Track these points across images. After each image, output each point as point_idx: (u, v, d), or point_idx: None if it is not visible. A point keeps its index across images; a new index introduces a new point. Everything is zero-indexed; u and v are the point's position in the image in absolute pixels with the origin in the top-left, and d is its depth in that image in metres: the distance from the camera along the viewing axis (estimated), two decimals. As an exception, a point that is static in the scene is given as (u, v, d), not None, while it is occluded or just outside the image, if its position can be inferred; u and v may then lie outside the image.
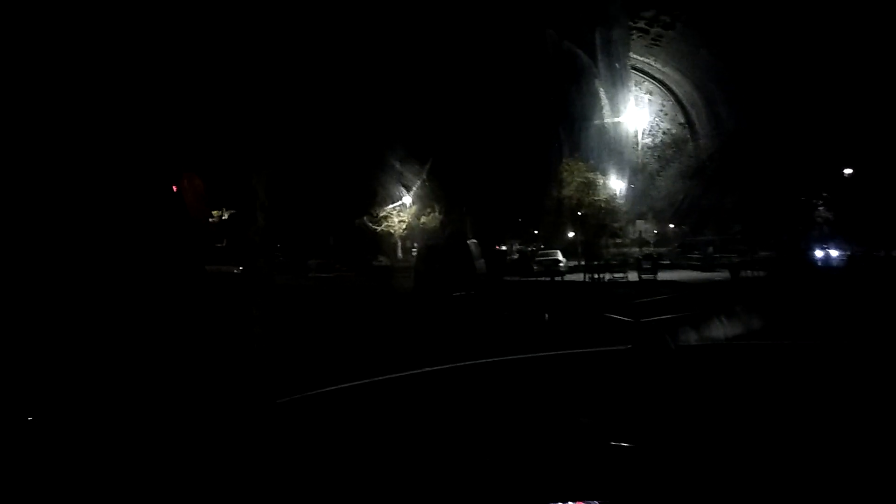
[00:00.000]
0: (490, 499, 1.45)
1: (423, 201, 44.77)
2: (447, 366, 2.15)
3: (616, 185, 39.91)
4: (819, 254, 31.20)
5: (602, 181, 39.57)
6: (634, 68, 36.00)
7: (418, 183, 43.71)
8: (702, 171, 32.98)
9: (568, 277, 32.38)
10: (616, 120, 37.10)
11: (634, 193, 38.90)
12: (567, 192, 39.92)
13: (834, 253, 30.94)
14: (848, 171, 32.91)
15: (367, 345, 9.02)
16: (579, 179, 39.36)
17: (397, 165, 42.19)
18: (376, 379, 2.17)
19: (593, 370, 2.08)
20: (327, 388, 2.11)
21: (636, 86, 36.38)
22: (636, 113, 36.78)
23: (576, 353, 2.36)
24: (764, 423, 1.72)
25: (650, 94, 36.21)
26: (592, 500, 1.44)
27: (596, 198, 39.60)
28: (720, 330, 2.15)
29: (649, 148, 36.93)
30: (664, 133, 36.20)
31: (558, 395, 1.88)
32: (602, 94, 37.26)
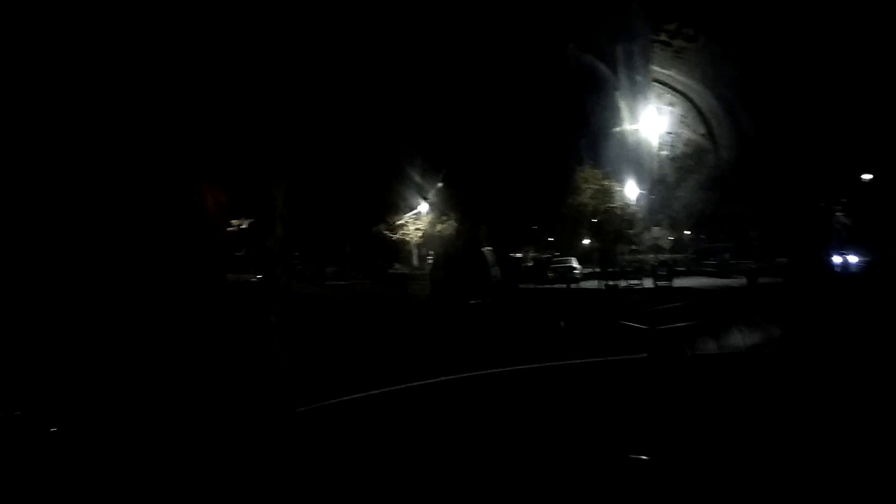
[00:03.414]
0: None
1: (439, 209, 44.83)
2: (463, 375, 2.17)
3: (632, 192, 39.73)
4: (838, 260, 30.82)
5: (618, 189, 39.43)
6: (656, 80, 35.96)
7: (434, 191, 43.80)
8: (720, 176, 32.73)
9: (583, 284, 32.23)
10: (635, 128, 37.01)
11: (650, 201, 38.70)
12: (583, 199, 39.82)
13: (853, 259, 30.53)
14: (867, 176, 32.55)
15: (384, 353, 9.04)
16: (595, 187, 39.26)
17: (414, 174, 42.33)
18: (394, 388, 2.19)
19: (609, 380, 2.08)
20: (346, 398, 2.14)
21: (657, 97, 36.30)
22: (656, 123, 36.70)
23: (592, 363, 2.37)
24: (782, 435, 1.72)
25: (672, 105, 36.12)
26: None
27: (611, 205, 39.46)
28: (738, 338, 2.15)
29: (668, 154, 36.74)
30: (685, 144, 36.06)
31: (575, 405, 1.90)
32: (622, 105, 37.24)
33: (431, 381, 2.09)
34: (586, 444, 1.65)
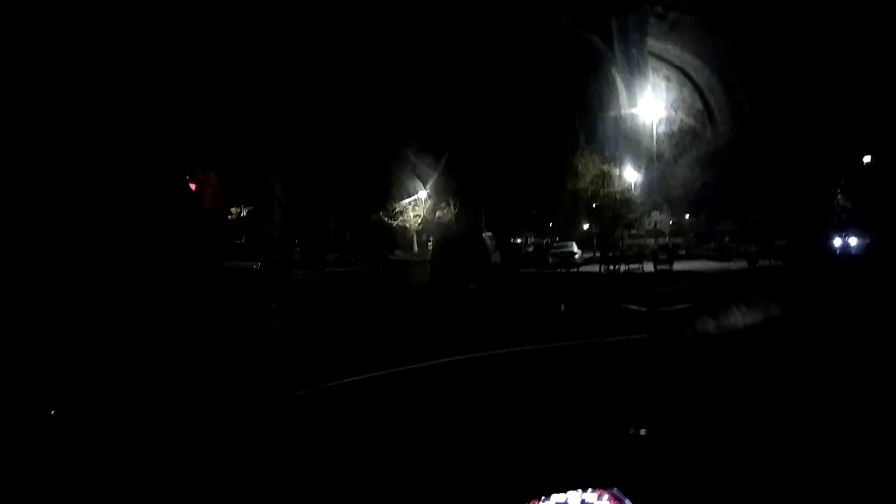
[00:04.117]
0: (508, 487, 1.47)
1: (439, 195, 44.81)
2: (463, 356, 2.17)
3: (631, 176, 39.64)
4: (838, 242, 30.81)
5: (617, 172, 39.34)
6: (651, 54, 35.29)
7: (433, 177, 43.76)
8: (719, 159, 32.47)
9: (584, 269, 32.27)
10: (632, 111, 36.65)
11: (650, 184, 38.53)
12: (582, 184, 39.75)
13: (853, 241, 30.53)
14: (867, 158, 32.45)
15: (384, 336, 9.07)
16: (594, 171, 39.18)
17: (412, 160, 42.27)
18: (392, 370, 2.19)
19: (609, 360, 2.08)
20: (344, 380, 2.14)
21: (653, 72, 35.71)
22: (652, 100, 36.20)
23: (591, 343, 2.36)
24: (782, 413, 1.72)
25: (668, 80, 35.53)
26: (611, 487, 1.45)
27: (611, 189, 39.39)
28: (738, 318, 2.15)
29: (666, 136, 36.32)
30: (681, 120, 35.60)
31: (574, 384, 1.90)
32: (618, 81, 36.75)
33: (430, 363, 2.09)
34: (587, 422, 1.65)
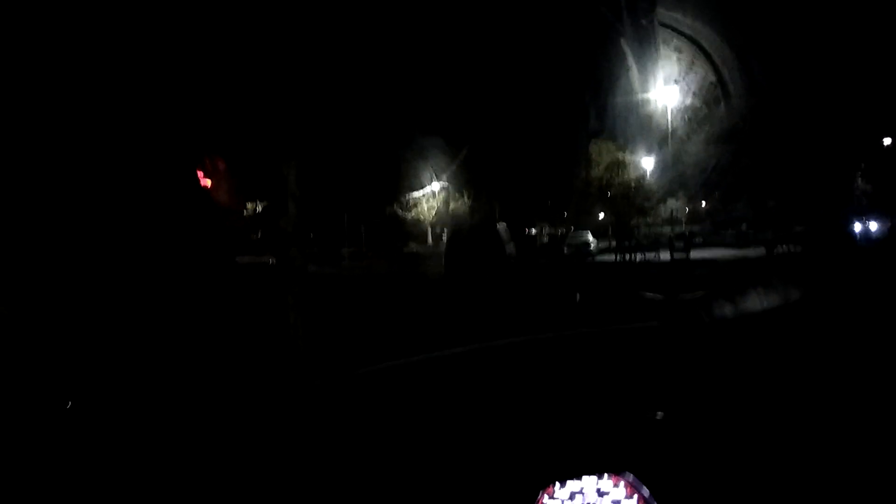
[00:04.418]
0: (523, 473, 1.47)
1: (452, 187, 44.74)
2: (479, 345, 2.17)
3: (646, 163, 39.29)
4: (858, 227, 30.37)
5: (631, 160, 39.05)
6: (662, 24, 34.37)
7: (447, 169, 43.69)
8: (734, 134, 31.76)
9: (599, 259, 32.14)
10: (646, 95, 35.94)
11: (664, 169, 38.07)
12: (596, 172, 39.53)
13: (874, 226, 30.08)
14: (887, 140, 31.92)
15: (400, 329, 9.08)
16: (608, 159, 38.92)
17: (426, 152, 42.20)
18: (409, 360, 2.20)
19: (623, 347, 2.08)
20: (361, 370, 2.14)
21: (664, 44, 34.78)
22: (666, 84, 35.47)
23: (604, 331, 2.36)
24: (800, 401, 1.71)
25: (679, 51, 34.61)
26: (626, 471, 1.45)
27: (626, 177, 39.12)
28: (755, 304, 2.12)
29: (679, 111, 35.41)
30: (694, 94, 34.79)
31: (587, 372, 1.89)
32: (629, 55, 35.99)
33: (447, 352, 2.10)
34: (600, 408, 1.65)
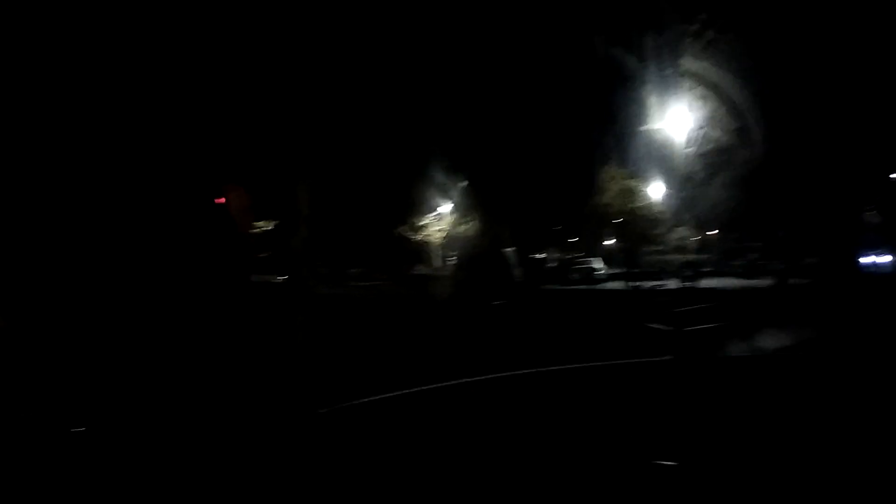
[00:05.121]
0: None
1: (461, 210, 44.80)
2: (486, 377, 2.16)
3: (657, 191, 39.28)
4: (868, 260, 30.16)
5: (642, 188, 39.03)
6: (686, 73, 35.02)
7: (456, 192, 43.80)
8: (747, 174, 32.03)
9: (607, 285, 32.03)
10: (661, 125, 36.25)
11: (677, 200, 38.08)
12: (606, 199, 39.51)
13: (884, 259, 29.86)
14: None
15: (405, 353, 9.05)
16: (618, 187, 38.92)
17: (435, 174, 42.35)
18: (415, 390, 2.20)
19: (633, 382, 2.06)
20: (366, 399, 2.14)
21: (688, 91, 35.43)
22: (684, 119, 35.88)
23: (616, 365, 2.35)
24: (808, 437, 1.69)
25: (703, 99, 35.23)
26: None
27: (636, 205, 39.07)
28: (765, 341, 2.11)
29: (699, 155, 35.92)
30: (716, 140, 35.24)
31: (601, 407, 1.88)
32: (649, 99, 36.49)
33: (452, 382, 2.09)
34: (611, 448, 1.63)
